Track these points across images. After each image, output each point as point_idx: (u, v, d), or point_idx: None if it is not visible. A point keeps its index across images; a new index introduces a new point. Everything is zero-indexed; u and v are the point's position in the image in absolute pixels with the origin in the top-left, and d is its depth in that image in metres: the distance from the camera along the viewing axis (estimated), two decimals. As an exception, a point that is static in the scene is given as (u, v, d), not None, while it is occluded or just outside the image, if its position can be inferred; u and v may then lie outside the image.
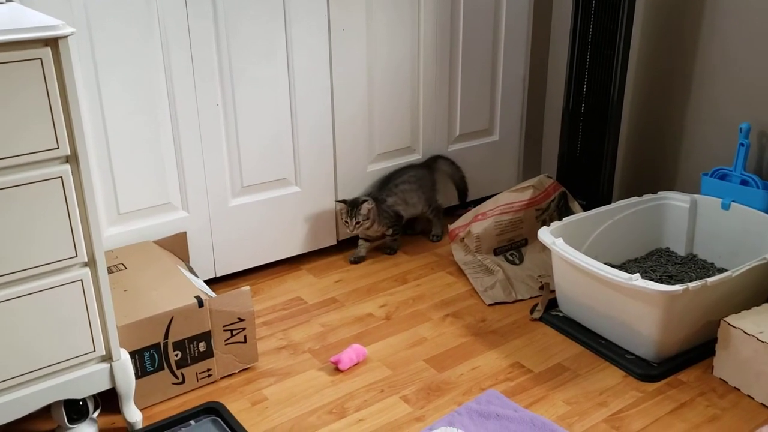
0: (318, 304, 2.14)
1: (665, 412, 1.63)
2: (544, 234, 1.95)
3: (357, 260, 2.39)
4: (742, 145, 2.03)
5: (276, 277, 2.30)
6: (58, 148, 1.31)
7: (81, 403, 1.55)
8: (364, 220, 2.29)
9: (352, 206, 2.29)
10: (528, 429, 1.57)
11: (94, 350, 1.49)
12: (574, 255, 1.85)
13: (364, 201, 2.28)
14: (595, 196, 2.35)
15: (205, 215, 2.13)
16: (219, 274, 2.23)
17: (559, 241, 1.90)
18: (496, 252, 2.26)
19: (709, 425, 1.59)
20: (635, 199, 2.18)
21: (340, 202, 2.33)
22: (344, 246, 2.45)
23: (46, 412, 1.60)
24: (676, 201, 2.18)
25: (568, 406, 1.66)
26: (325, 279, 2.29)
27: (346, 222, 2.29)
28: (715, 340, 1.74)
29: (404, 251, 2.44)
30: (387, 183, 2.40)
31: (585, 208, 2.31)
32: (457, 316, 2.05)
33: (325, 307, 2.13)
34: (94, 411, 1.60)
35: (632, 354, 1.81)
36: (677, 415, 1.62)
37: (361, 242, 2.41)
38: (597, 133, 2.30)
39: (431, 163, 2.53)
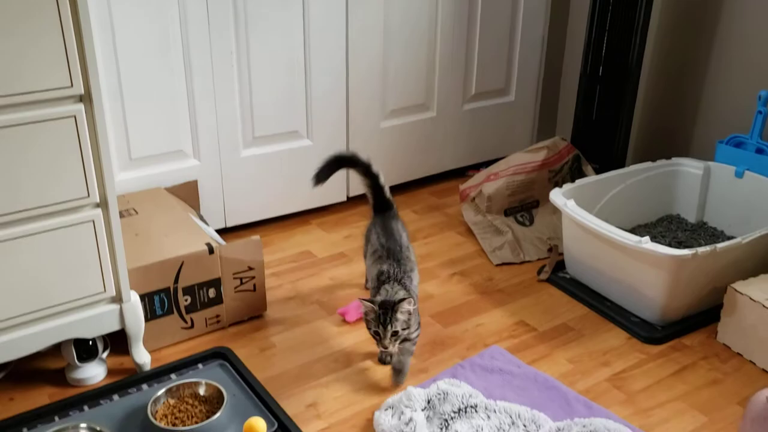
0: (327, 258, 2.16)
1: (667, 374, 1.65)
2: (556, 195, 1.94)
3: (384, 362, 1.68)
4: (759, 113, 2.01)
5: (286, 230, 2.31)
6: (71, 86, 1.31)
7: (91, 342, 1.58)
8: (403, 329, 1.51)
9: (385, 310, 1.50)
10: (530, 384, 1.59)
11: (105, 291, 1.51)
12: (585, 217, 1.84)
13: (403, 300, 1.50)
14: (608, 160, 2.33)
15: (217, 164, 2.14)
16: (229, 225, 2.24)
17: (571, 202, 1.90)
18: (507, 213, 2.26)
19: (710, 388, 1.60)
20: (648, 164, 2.17)
21: (366, 301, 1.53)
22: (354, 202, 2.45)
23: (56, 350, 1.63)
24: (690, 167, 2.16)
25: (571, 364, 1.68)
26: (335, 234, 2.30)
27: (377, 334, 1.52)
28: (720, 306, 1.75)
29: (414, 211, 2.45)
30: (394, 245, 1.67)
31: (598, 172, 2.30)
32: (464, 275, 2.06)
33: (333, 261, 2.14)
34: (104, 351, 1.63)
35: (637, 317, 1.82)
36: (679, 377, 1.64)
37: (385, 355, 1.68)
38: (614, 97, 2.27)
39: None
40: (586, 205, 1.93)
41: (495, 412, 1.48)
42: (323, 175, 1.77)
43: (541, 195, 2.28)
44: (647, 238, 1.71)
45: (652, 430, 1.46)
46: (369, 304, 1.52)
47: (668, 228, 2.16)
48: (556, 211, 2.21)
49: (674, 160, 2.19)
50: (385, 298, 1.53)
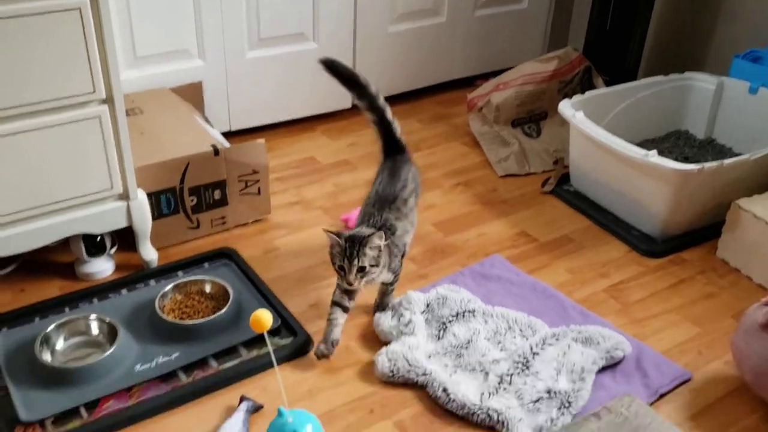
0: (331, 165, 2.16)
1: (664, 286, 1.68)
2: (565, 106, 1.92)
3: (325, 354, 1.44)
4: (779, 27, 1.96)
5: (290, 136, 2.30)
6: (75, -23, 1.28)
7: (99, 238, 1.61)
8: (372, 266, 1.38)
9: (352, 243, 1.37)
10: (528, 292, 1.62)
11: (112, 188, 1.52)
12: (593, 129, 1.83)
13: (371, 234, 1.37)
14: (620, 73, 2.29)
15: (221, 66, 2.11)
16: (234, 128, 2.23)
17: (579, 114, 1.88)
18: (514, 124, 2.24)
19: (706, 301, 1.63)
20: (660, 77, 2.13)
21: (331, 233, 1.39)
22: (359, 110, 2.42)
23: (65, 245, 1.66)
24: (702, 82, 2.13)
25: (570, 274, 1.70)
26: (339, 141, 2.29)
27: (341, 269, 1.38)
28: (722, 223, 1.76)
29: (419, 120, 2.43)
30: (388, 193, 1.51)
31: (608, 85, 2.26)
32: (468, 185, 2.07)
33: (337, 168, 2.15)
34: (112, 247, 1.66)
35: (638, 230, 1.84)
36: (675, 290, 1.67)
37: (337, 313, 1.46)
38: (628, 7, 2.21)
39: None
40: (595, 117, 1.91)
41: (492, 317, 1.52)
42: (335, 72, 1.63)
43: (550, 106, 2.25)
44: (654, 151, 1.71)
45: (645, 339, 1.50)
46: (334, 236, 1.37)
47: (675, 144, 2.15)
48: (563, 124, 2.19)
49: (687, 74, 2.15)
50: (352, 233, 1.39)
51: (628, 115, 2.08)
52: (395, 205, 1.50)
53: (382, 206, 1.49)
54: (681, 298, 1.64)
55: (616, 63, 2.30)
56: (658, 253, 1.78)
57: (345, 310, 1.46)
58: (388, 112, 1.63)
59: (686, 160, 2.06)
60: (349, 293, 1.46)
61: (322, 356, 1.44)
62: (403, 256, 1.52)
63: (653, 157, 1.69)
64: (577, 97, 1.98)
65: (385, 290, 1.53)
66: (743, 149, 2.07)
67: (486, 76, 2.58)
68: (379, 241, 1.38)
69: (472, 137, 2.29)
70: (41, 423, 1.27)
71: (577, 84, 2.29)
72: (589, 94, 2.02)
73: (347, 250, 1.36)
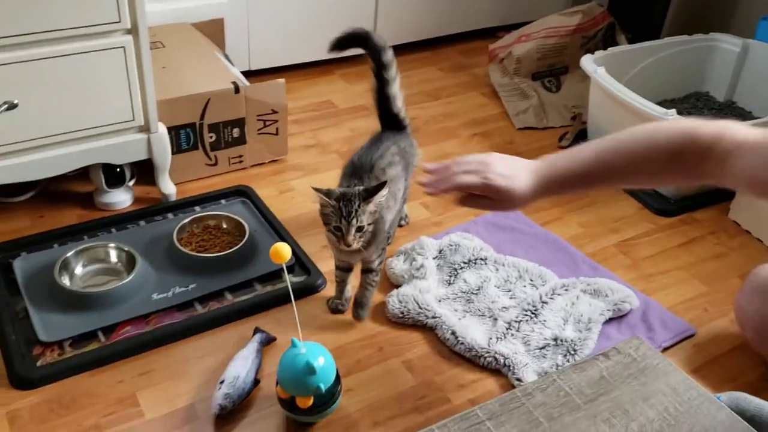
0: (348, 110, 2.16)
1: (674, 244, 1.69)
2: (587, 61, 1.91)
3: (340, 310, 1.44)
4: (809, -10, 1.93)
5: (308, 78, 2.30)
6: None
7: (118, 169, 1.63)
8: (369, 225, 1.27)
9: (347, 200, 1.24)
10: (540, 243, 1.64)
11: (134, 120, 1.53)
12: (613, 85, 1.82)
13: (376, 188, 1.25)
14: (643, 31, 2.27)
15: (243, 3, 2.09)
16: (253, 68, 2.23)
17: (601, 70, 1.87)
18: (534, 77, 2.23)
19: (714, 261, 1.65)
20: (684, 37, 2.11)
21: (320, 191, 1.25)
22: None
23: (85, 175, 1.68)
24: (727, 44, 2.11)
25: (582, 228, 1.72)
26: (357, 86, 2.29)
27: (337, 230, 1.25)
28: (737, 185, 1.76)
29: (439, 68, 2.41)
30: (364, 162, 1.38)
31: (631, 42, 2.24)
32: (485, 136, 2.07)
33: (354, 113, 2.15)
34: (131, 179, 1.68)
35: (653, 189, 1.85)
36: (685, 248, 1.68)
37: (343, 275, 1.42)
38: (658, -36, 2.18)
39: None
40: (616, 74, 1.90)
41: (504, 265, 1.54)
42: (340, 45, 1.58)
43: (571, 61, 2.24)
44: (674, 111, 1.70)
45: (653, 293, 1.53)
46: (324, 197, 1.23)
47: (695, 105, 2.14)
48: (584, 80, 2.18)
49: (711, 35, 2.13)
50: (344, 190, 1.26)
51: (649, 73, 2.06)
52: (373, 174, 1.35)
53: (360, 176, 1.34)
54: (690, 257, 1.66)
55: (640, 21, 2.28)
56: (670, 212, 1.79)
57: (349, 269, 1.42)
58: (392, 71, 1.53)
59: (705, 121, 2.05)
60: (342, 288, 1.43)
61: (336, 311, 1.44)
62: (389, 238, 1.46)
63: (672, 116, 1.69)
64: (599, 53, 1.96)
65: (369, 281, 1.39)
66: (764, 113, 2.06)
67: (508, 28, 2.55)
68: (384, 192, 1.25)
69: (492, 88, 2.28)
70: (59, 344, 1.31)
71: (599, 40, 2.27)
72: (611, 50, 2.00)
73: (342, 209, 1.23)
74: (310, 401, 1.15)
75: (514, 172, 1.13)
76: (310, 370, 1.13)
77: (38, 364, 1.27)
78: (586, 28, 2.23)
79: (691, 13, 2.44)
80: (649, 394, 0.82)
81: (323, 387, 1.14)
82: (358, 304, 1.41)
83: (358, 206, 1.23)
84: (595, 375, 0.84)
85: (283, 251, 1.10)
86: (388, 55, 1.52)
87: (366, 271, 1.39)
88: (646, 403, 0.81)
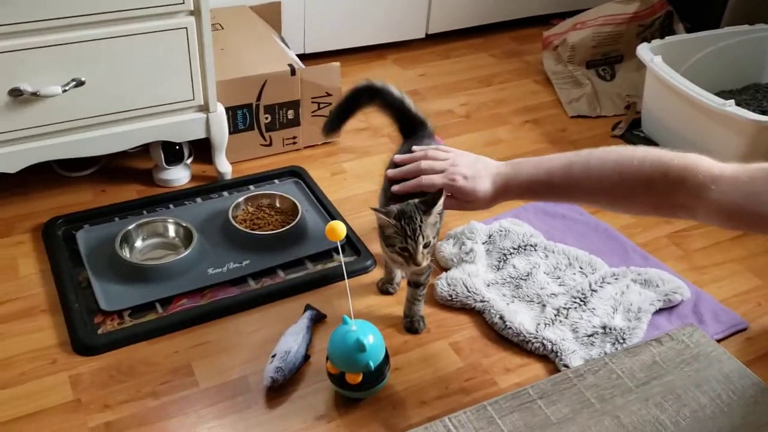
0: (400, 94, 2.17)
1: (728, 237, 1.66)
2: (644, 50, 1.89)
3: (390, 293, 1.44)
4: None
5: (362, 63, 2.32)
6: None
7: (177, 147, 1.67)
8: (433, 237, 1.20)
9: (408, 218, 1.17)
10: (590, 232, 1.63)
11: (193, 99, 1.57)
12: (670, 74, 1.80)
13: (433, 199, 1.18)
14: (702, 20, 2.23)
15: (301, -13, 2.13)
16: (308, 51, 2.25)
17: (658, 59, 1.85)
18: (589, 65, 2.21)
19: (766, 256, 1.62)
20: (745, 27, 2.06)
21: (379, 211, 1.19)
22: (433, 40, 2.42)
23: (145, 152, 1.73)
24: (790, 35, 2.05)
25: (634, 219, 1.71)
26: (410, 71, 2.30)
27: (403, 251, 1.19)
28: (795, 179, 1.72)
29: (492, 55, 2.41)
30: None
31: (689, 32, 2.20)
32: (537, 124, 2.06)
33: (407, 97, 2.16)
34: (188, 157, 1.72)
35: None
36: (738, 242, 1.65)
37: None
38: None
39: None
40: (673, 63, 1.87)
41: (553, 252, 1.54)
42: (335, 124, 1.51)
43: (627, 50, 2.21)
44: (732, 102, 1.68)
45: (704, 286, 1.51)
46: (383, 216, 1.16)
47: (754, 96, 2.09)
48: (639, 68, 2.16)
49: (775, 25, 2.08)
50: (401, 207, 1.17)
51: (707, 63, 2.02)
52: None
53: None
54: (744, 250, 1.63)
55: (699, 10, 2.23)
56: (725, 204, 1.76)
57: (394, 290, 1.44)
58: (394, 90, 1.45)
59: (763, 113, 2.01)
60: (392, 276, 1.43)
61: (386, 293, 1.45)
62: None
63: (730, 106, 1.66)
64: (656, 42, 1.94)
65: (417, 296, 1.35)
66: (826, 106, 2.01)
67: (563, 16, 2.53)
68: (439, 208, 1.18)
69: (545, 76, 2.27)
70: (119, 314, 1.36)
71: (656, 29, 2.23)
72: (668, 39, 1.97)
73: (406, 229, 1.16)
74: (360, 378, 1.18)
75: (478, 173, 1.14)
76: (361, 347, 1.15)
77: (99, 332, 1.32)
78: (643, 17, 2.20)
79: (752, 2, 2.38)
80: (701, 380, 0.82)
81: (372, 364, 1.17)
82: (411, 319, 1.37)
83: (421, 222, 1.16)
84: (647, 360, 0.84)
85: (338, 229, 1.13)
86: (368, 83, 1.44)
87: (415, 285, 1.33)
88: (699, 389, 0.81)
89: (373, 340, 1.19)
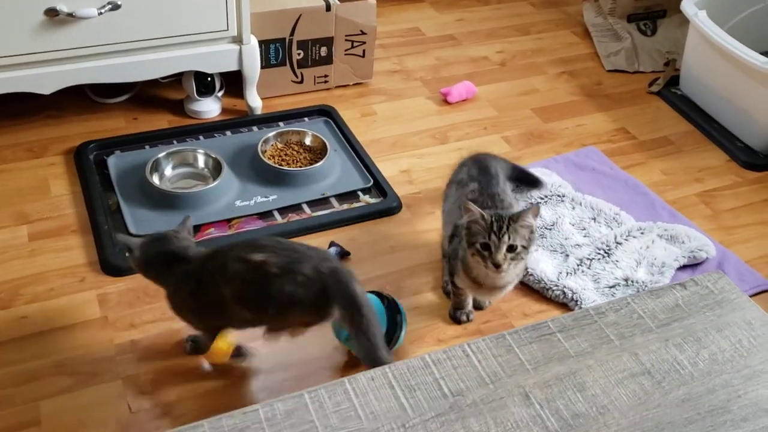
0: (435, 38, 2.14)
1: (759, 199, 1.64)
2: (688, 4, 1.83)
3: (464, 321, 1.31)
4: None
5: (398, 4, 2.28)
6: None
7: (209, 79, 1.67)
8: (523, 247, 1.12)
9: (499, 218, 1.11)
10: (619, 186, 1.62)
11: (228, 30, 1.57)
12: (714, 30, 1.75)
13: (524, 210, 1.12)
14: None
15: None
16: (344, -10, 2.22)
17: (702, 13, 1.79)
18: (630, 18, 2.15)
19: (799, 220, 1.60)
20: (797, -15, 1.99)
21: (474, 208, 1.13)
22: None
23: (176, 83, 1.74)
24: (844, -4, 1.98)
25: (665, 175, 1.69)
26: (447, 15, 2.26)
27: (485, 248, 1.11)
28: (835, 144, 1.69)
29: (531, 3, 2.36)
30: (492, 192, 1.28)
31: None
32: (573, 75, 2.03)
33: (442, 42, 2.13)
34: (220, 90, 1.73)
35: (742, 142, 1.78)
36: (770, 205, 1.63)
37: (462, 295, 1.29)
38: None
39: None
40: (719, 19, 1.82)
41: (580, 204, 1.53)
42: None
43: (670, 5, 2.15)
44: (778, 61, 1.63)
45: (731, 246, 1.49)
46: (477, 208, 1.12)
47: (800, 59, 2.03)
48: (681, 25, 2.10)
49: (828, -16, 2.00)
50: (497, 212, 1.14)
51: (755, 21, 1.96)
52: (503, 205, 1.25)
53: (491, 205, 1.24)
54: (774, 214, 1.61)
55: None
56: (758, 166, 1.73)
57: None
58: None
59: (809, 76, 1.95)
60: (465, 302, 1.28)
61: (457, 321, 1.30)
62: None
63: (775, 66, 1.62)
64: (703, -4, 1.88)
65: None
66: None
67: None
68: (532, 218, 1.11)
69: (584, 28, 2.22)
70: (148, 239, 1.38)
71: (703, -16, 2.16)
72: (716, -7, 1.91)
73: (494, 224, 1.10)
74: None
75: None
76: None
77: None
78: (690, -30, 2.13)
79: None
80: (723, 325, 0.81)
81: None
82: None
83: (510, 222, 1.10)
84: (670, 302, 0.84)
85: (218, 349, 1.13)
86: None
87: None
88: (720, 333, 0.81)
89: None
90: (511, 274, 1.15)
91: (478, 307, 1.33)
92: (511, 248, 1.10)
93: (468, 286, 1.21)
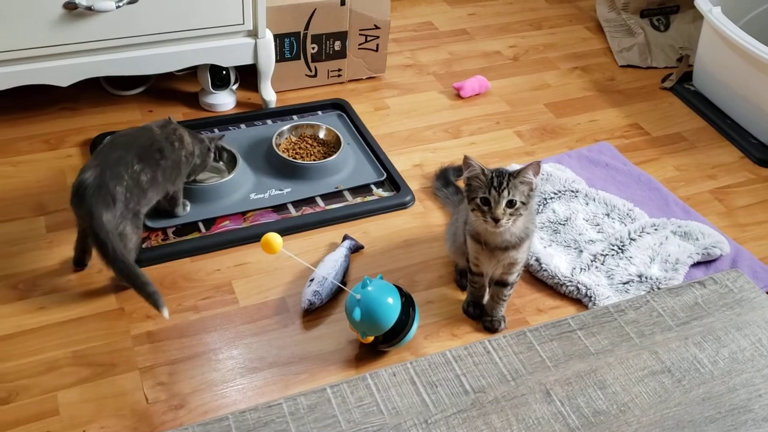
0: (448, 33, 2.14)
1: (773, 197, 1.64)
2: (703, 0, 1.83)
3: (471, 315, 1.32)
4: None
5: (411, -1, 2.29)
6: None
7: (224, 72, 1.68)
8: (522, 204, 1.12)
9: (499, 173, 1.13)
10: (633, 182, 1.62)
11: (243, 23, 1.57)
12: (728, 26, 1.74)
13: (528, 165, 1.12)
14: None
15: None
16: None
17: (717, 9, 1.79)
18: (643, 14, 2.15)
19: (814, 218, 1.60)
20: (813, -18, 1.98)
21: (473, 161, 1.14)
22: None
23: (192, 76, 1.74)
24: None
25: (678, 171, 1.69)
26: (459, 9, 2.26)
27: (485, 202, 1.12)
28: None
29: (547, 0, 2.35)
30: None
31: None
32: (585, 71, 2.03)
33: (455, 36, 2.13)
34: (235, 83, 1.73)
35: (756, 139, 1.78)
36: (784, 202, 1.63)
37: (477, 283, 1.28)
38: None
39: None
40: (733, 15, 1.81)
41: (594, 200, 1.53)
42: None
43: (683, 0, 2.14)
44: (792, 58, 1.63)
45: (745, 243, 1.49)
46: (476, 163, 1.13)
47: (814, 56, 2.02)
48: (694, 20, 2.10)
49: (844, -20, 1.99)
50: (497, 168, 1.15)
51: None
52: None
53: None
54: (789, 211, 1.61)
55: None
56: (772, 163, 1.73)
57: (480, 274, 1.26)
58: None
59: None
60: (479, 294, 1.28)
61: (473, 317, 1.30)
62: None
63: (791, 63, 1.61)
64: (717, -8, 1.87)
65: (502, 296, 1.26)
66: None
67: None
68: (532, 174, 1.12)
69: (597, 23, 2.21)
70: (164, 231, 1.40)
71: (718, -21, 2.15)
72: (731, -11, 1.91)
73: (494, 180, 1.11)
74: (371, 339, 1.18)
75: None
76: (353, 320, 1.16)
77: (144, 246, 1.35)
78: (705, -34, 2.12)
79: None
80: (743, 324, 0.82)
81: (363, 336, 1.17)
82: (492, 318, 1.28)
83: (509, 178, 1.11)
84: (689, 300, 0.84)
85: (273, 242, 1.12)
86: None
87: (500, 283, 1.24)
88: (739, 332, 0.81)
89: (375, 310, 1.15)
90: (511, 231, 1.15)
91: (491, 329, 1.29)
92: (511, 203, 1.11)
93: (474, 250, 1.20)
